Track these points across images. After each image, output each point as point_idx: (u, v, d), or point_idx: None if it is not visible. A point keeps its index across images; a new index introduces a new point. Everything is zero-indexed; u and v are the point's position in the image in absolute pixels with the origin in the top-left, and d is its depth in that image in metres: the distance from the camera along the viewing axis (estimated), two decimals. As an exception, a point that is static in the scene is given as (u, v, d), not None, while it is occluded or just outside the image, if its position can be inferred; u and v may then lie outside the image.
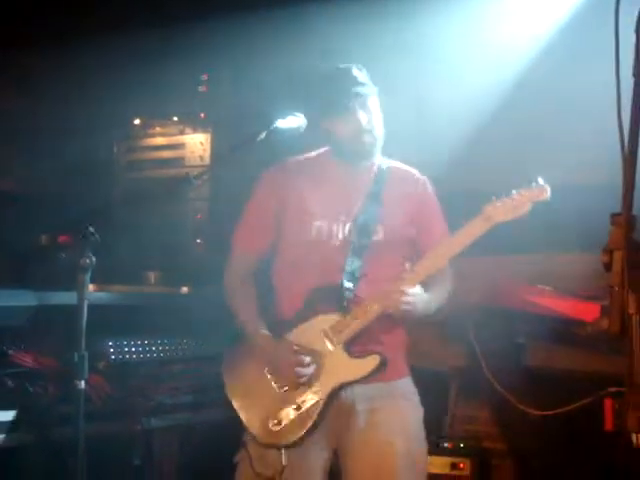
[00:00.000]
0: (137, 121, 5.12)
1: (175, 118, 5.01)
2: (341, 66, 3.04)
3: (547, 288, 4.00)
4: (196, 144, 4.89)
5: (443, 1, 4.24)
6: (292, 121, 2.98)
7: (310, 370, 2.90)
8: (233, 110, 4.80)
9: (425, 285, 2.93)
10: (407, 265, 2.93)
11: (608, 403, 3.03)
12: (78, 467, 2.60)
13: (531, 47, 4.31)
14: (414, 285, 2.87)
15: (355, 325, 2.91)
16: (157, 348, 3.76)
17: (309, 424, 2.90)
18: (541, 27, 4.29)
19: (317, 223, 3.02)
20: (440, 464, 4.06)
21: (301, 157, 3.19)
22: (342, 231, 3.02)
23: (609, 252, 1.89)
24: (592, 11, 3.91)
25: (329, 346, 2.93)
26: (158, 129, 5.07)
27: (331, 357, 2.92)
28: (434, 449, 3.85)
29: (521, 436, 4.38)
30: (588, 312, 3.72)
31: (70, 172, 4.95)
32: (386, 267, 3.01)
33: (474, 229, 2.85)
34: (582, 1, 4.19)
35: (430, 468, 3.33)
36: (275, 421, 2.91)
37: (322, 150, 3.17)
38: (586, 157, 4.35)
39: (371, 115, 3.00)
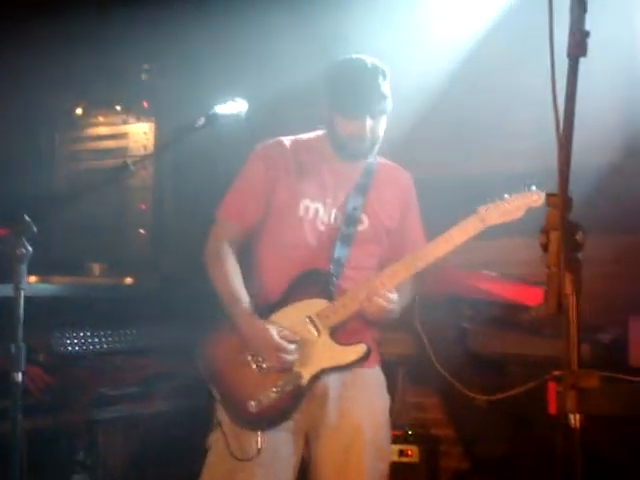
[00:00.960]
0: (79, 111, 5.04)
1: (118, 107, 4.94)
2: (369, 65, 2.96)
3: (492, 274, 4.03)
4: (139, 133, 4.84)
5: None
6: (232, 107, 2.95)
7: (294, 357, 2.87)
8: (176, 99, 4.75)
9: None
10: (407, 256, 2.91)
11: (552, 386, 3.05)
12: (16, 462, 2.55)
13: (470, 36, 4.34)
14: (401, 279, 2.87)
15: (343, 312, 2.90)
16: (100, 339, 3.71)
17: (288, 407, 2.89)
18: (480, 15, 4.32)
19: (305, 202, 3.01)
20: (388, 451, 4.06)
21: (297, 137, 3.16)
22: (328, 215, 3.02)
23: (546, 233, 1.89)
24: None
25: (313, 331, 2.91)
26: (101, 119, 5.01)
27: (315, 342, 2.91)
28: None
29: (469, 422, 4.41)
30: (533, 297, 3.75)
31: (10, 163, 4.86)
32: (371, 257, 3.05)
33: (468, 229, 2.85)
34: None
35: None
36: (254, 402, 2.87)
37: (320, 133, 3.14)
38: (524, 144, 4.39)
39: (378, 127, 2.99)
